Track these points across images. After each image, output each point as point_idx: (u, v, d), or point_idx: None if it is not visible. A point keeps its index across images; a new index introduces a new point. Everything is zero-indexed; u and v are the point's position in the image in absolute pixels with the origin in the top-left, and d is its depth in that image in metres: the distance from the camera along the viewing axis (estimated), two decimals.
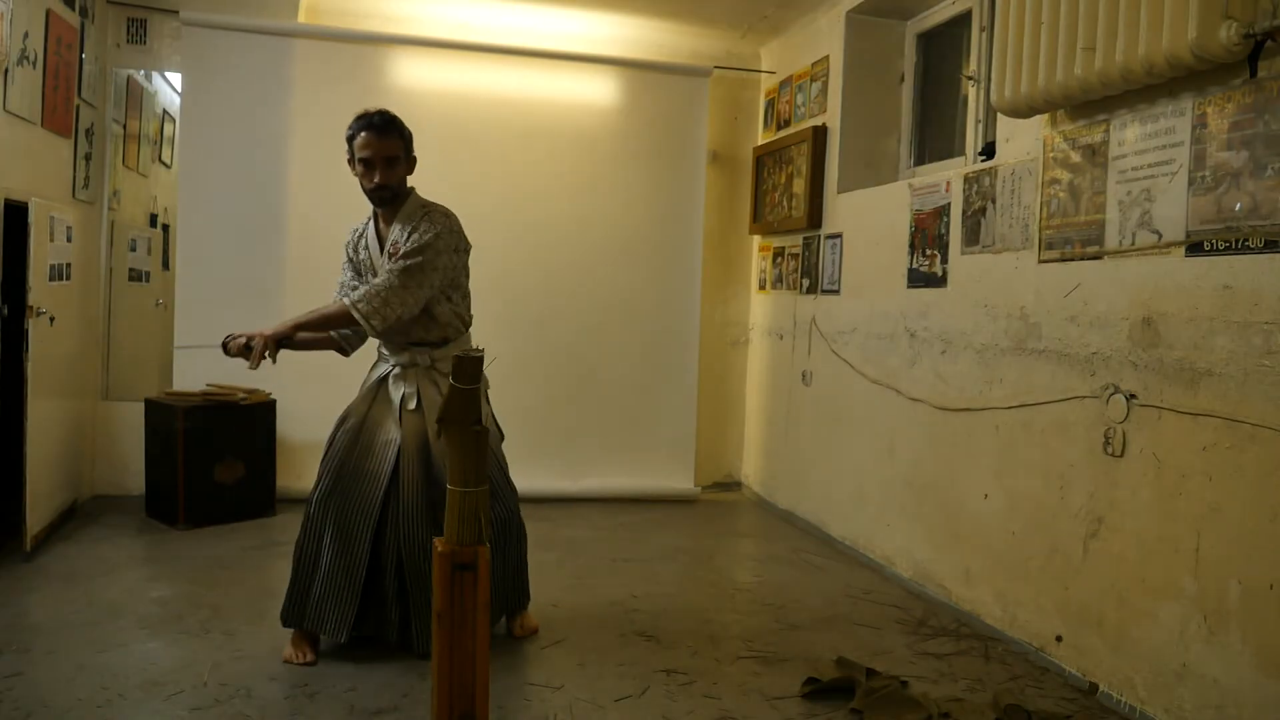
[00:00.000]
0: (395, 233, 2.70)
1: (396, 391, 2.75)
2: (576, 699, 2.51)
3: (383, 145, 2.59)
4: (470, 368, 2.02)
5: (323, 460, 2.74)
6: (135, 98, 4.76)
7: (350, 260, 2.84)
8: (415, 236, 2.64)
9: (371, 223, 2.79)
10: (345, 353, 2.92)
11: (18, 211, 3.34)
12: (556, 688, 2.57)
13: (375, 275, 2.71)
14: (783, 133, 4.94)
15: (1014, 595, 3.04)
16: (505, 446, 2.98)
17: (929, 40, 4.27)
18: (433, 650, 2.04)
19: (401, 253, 2.64)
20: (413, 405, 2.72)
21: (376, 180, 2.62)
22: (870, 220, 4.08)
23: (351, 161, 2.66)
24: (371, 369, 2.87)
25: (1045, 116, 2.95)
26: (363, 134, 2.59)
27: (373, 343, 2.90)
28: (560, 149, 4.85)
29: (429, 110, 4.64)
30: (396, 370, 2.77)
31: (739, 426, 5.42)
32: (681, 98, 4.99)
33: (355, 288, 2.74)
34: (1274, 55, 2.18)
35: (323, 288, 4.56)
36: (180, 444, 3.96)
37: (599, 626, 3.07)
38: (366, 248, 2.78)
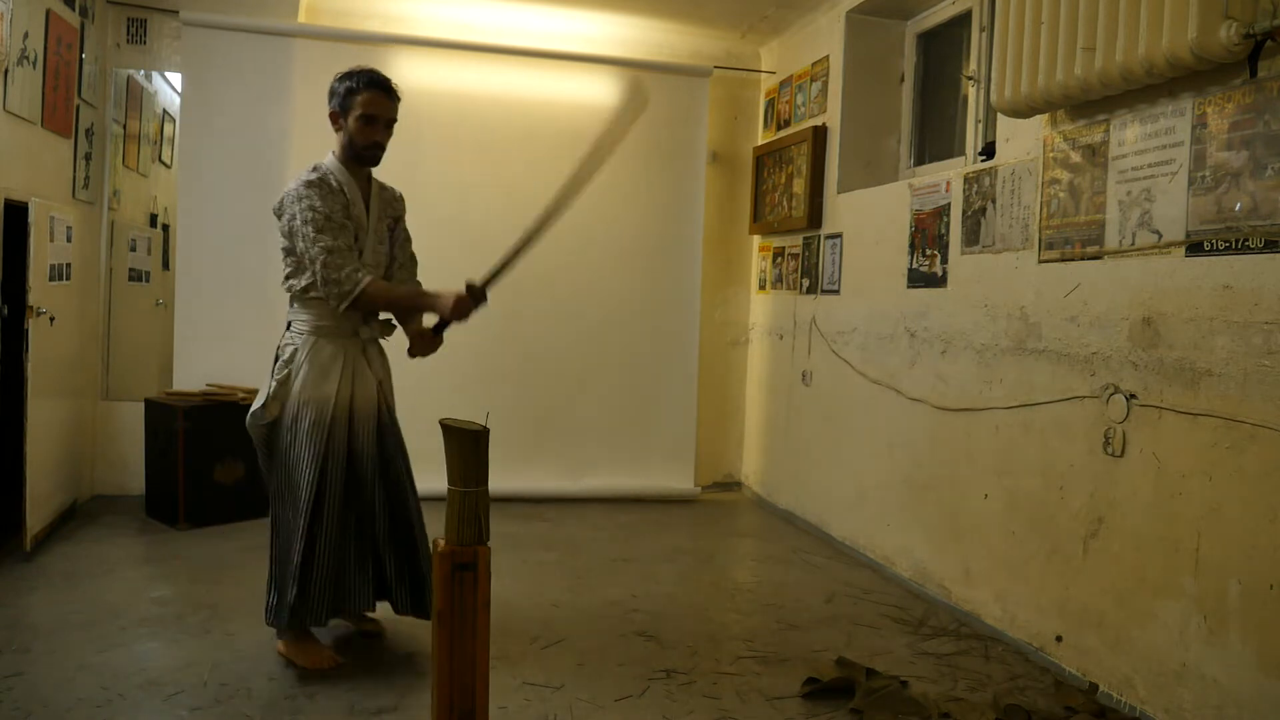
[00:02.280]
0: (390, 206, 2.83)
1: (370, 364, 2.75)
2: (576, 699, 2.51)
3: (390, 107, 2.65)
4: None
5: (309, 452, 2.61)
6: (135, 98, 4.76)
7: (339, 206, 2.61)
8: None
9: (342, 177, 2.66)
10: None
11: (18, 211, 3.35)
12: (556, 688, 2.57)
13: (361, 230, 2.69)
14: (783, 133, 4.94)
15: (1014, 595, 3.04)
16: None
17: (929, 40, 4.27)
18: (432, 650, 2.05)
19: (408, 239, 2.92)
20: (382, 375, 2.80)
21: (378, 139, 2.65)
22: (870, 220, 4.08)
23: (339, 114, 2.64)
24: (316, 348, 2.66)
25: (1045, 116, 2.95)
26: (375, 91, 2.60)
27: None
28: (560, 149, 4.83)
29: (429, 110, 4.64)
30: (362, 345, 2.75)
31: (739, 426, 5.43)
32: (681, 98, 4.99)
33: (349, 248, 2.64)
34: (1274, 55, 2.18)
35: None
36: (180, 444, 3.96)
37: (599, 626, 3.07)
38: (353, 202, 2.67)
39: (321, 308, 2.65)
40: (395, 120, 2.69)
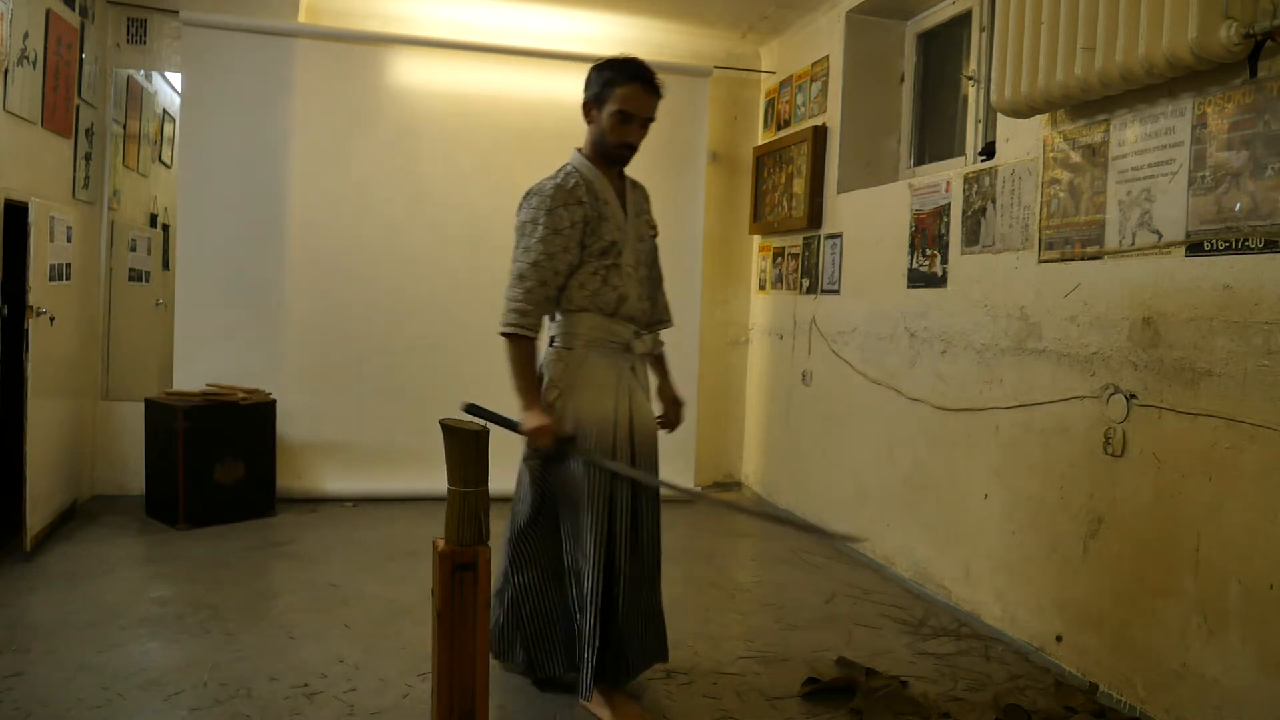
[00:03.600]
0: (645, 203, 2.62)
1: (639, 381, 2.52)
2: (577, 699, 2.51)
3: (649, 104, 2.36)
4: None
5: (595, 481, 2.34)
6: (135, 98, 4.76)
7: (579, 219, 2.35)
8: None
9: (592, 176, 2.42)
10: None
11: (18, 211, 3.34)
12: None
13: (619, 232, 2.42)
14: (783, 133, 4.93)
15: (1014, 595, 3.04)
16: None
17: (929, 40, 4.27)
18: (432, 650, 2.05)
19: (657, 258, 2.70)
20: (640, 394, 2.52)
21: (631, 140, 2.39)
22: (870, 220, 4.08)
23: (593, 105, 2.40)
24: (588, 364, 2.40)
25: (1045, 116, 2.95)
26: (635, 85, 2.33)
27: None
28: (560, 150, 4.82)
29: (429, 110, 4.65)
30: (632, 362, 2.50)
31: (739, 426, 5.42)
32: (681, 98, 4.98)
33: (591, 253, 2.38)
34: (1274, 55, 2.18)
35: (323, 287, 4.61)
36: (180, 444, 3.96)
37: None
38: (605, 202, 2.42)
39: (593, 319, 2.39)
40: (653, 119, 2.39)
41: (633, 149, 2.42)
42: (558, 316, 2.44)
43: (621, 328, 2.44)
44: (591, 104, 2.41)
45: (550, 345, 2.45)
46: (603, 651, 2.34)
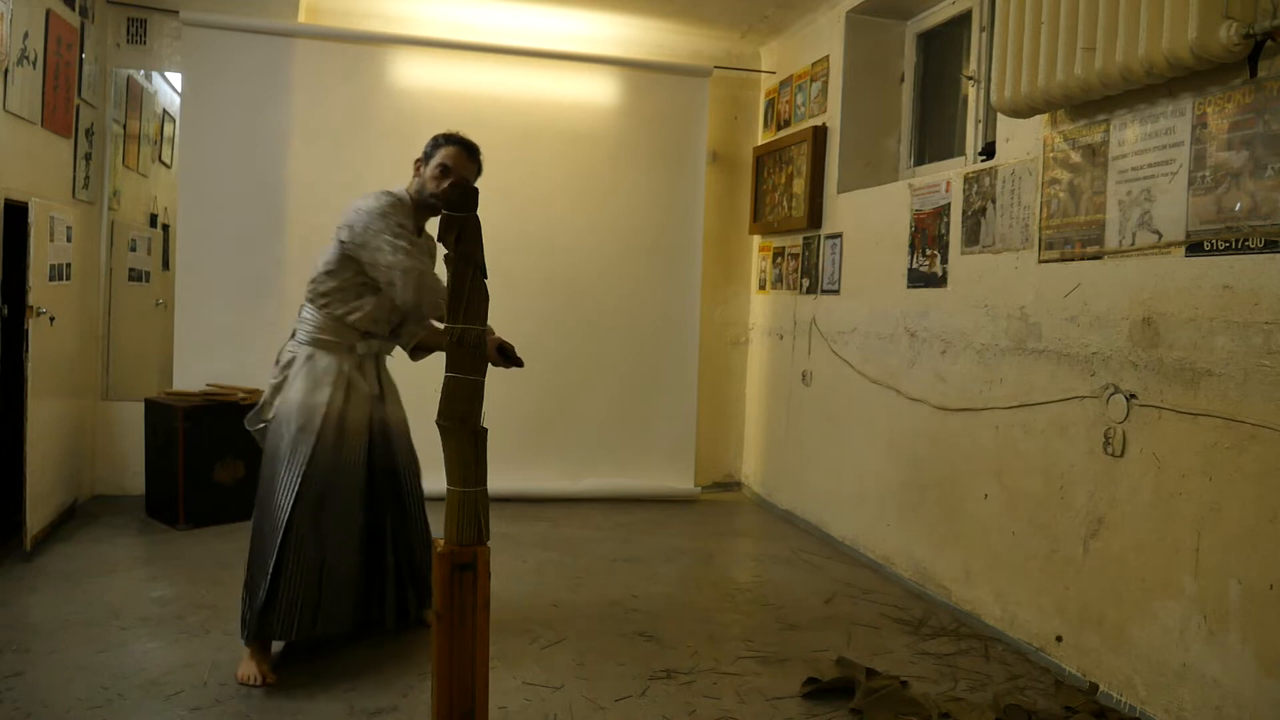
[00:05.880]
0: (430, 255, 2.90)
1: (365, 378, 2.81)
2: (576, 699, 2.51)
3: (466, 166, 2.78)
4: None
5: (298, 459, 2.63)
6: (135, 98, 4.76)
7: (402, 229, 2.72)
8: None
9: (405, 209, 2.79)
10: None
11: (18, 211, 3.35)
12: (556, 688, 2.57)
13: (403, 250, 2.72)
14: (783, 133, 4.93)
15: (1014, 595, 3.04)
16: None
17: (929, 40, 4.27)
18: (433, 650, 2.05)
19: None
20: (377, 390, 2.86)
21: (444, 189, 2.65)
22: (870, 220, 4.08)
23: (423, 161, 2.80)
24: (312, 359, 2.73)
25: (1045, 116, 2.95)
26: (454, 148, 2.77)
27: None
28: (560, 149, 4.85)
29: (429, 110, 4.64)
30: (358, 359, 2.80)
31: (739, 426, 5.43)
32: (681, 98, 4.99)
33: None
34: (1274, 55, 2.18)
35: None
36: (180, 444, 3.96)
37: (599, 626, 3.07)
38: (402, 225, 2.78)
39: (325, 320, 2.74)
40: (467, 180, 2.76)
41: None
42: (304, 311, 2.78)
43: (348, 332, 2.77)
44: (420, 161, 2.81)
45: (291, 337, 2.79)
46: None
